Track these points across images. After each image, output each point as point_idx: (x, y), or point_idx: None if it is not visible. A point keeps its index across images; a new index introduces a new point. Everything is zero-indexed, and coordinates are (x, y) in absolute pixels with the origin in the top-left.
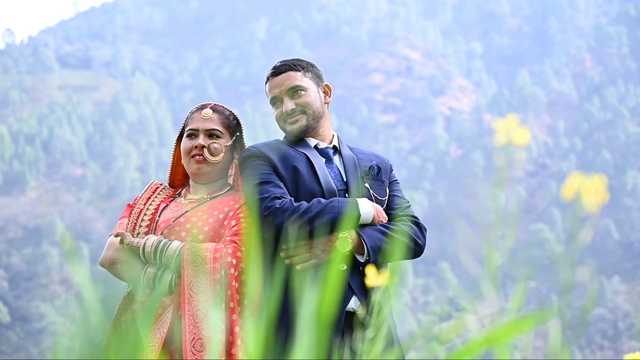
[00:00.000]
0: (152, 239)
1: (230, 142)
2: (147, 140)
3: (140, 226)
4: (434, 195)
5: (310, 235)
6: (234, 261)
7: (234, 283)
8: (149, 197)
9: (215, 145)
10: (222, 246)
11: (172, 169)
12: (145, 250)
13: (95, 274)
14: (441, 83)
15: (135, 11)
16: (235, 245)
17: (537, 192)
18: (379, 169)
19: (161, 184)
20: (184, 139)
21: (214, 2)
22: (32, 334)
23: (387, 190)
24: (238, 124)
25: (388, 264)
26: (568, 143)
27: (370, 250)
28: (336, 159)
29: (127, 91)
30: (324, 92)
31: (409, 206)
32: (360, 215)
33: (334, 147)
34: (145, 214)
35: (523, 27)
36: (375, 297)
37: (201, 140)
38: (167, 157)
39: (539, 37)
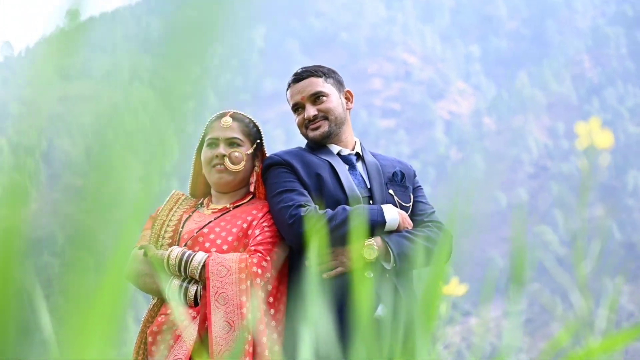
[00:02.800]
0: (176, 250)
1: (251, 150)
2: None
3: (164, 238)
4: (436, 199)
5: (336, 243)
6: (260, 271)
7: (260, 293)
8: (171, 208)
9: (236, 153)
10: (247, 256)
11: (193, 179)
12: (170, 262)
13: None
14: (440, 87)
15: (133, 20)
16: (260, 254)
17: (538, 194)
18: (403, 175)
19: (182, 194)
20: (204, 149)
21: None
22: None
23: (411, 196)
24: (258, 131)
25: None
26: (568, 144)
27: (396, 257)
28: (359, 165)
29: (127, 101)
30: (345, 98)
31: (434, 212)
32: (386, 222)
33: (357, 154)
34: (168, 225)
35: (521, 30)
36: (402, 304)
37: (222, 149)
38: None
39: (537, 39)
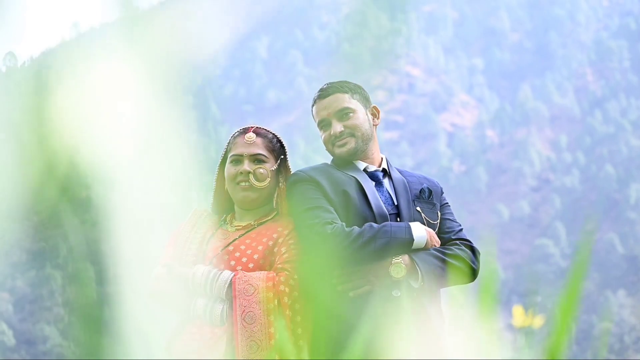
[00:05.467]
0: (201, 269)
1: (275, 167)
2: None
3: (187, 255)
4: None
5: (363, 261)
6: (287, 289)
7: (287, 312)
8: (194, 225)
9: (261, 170)
10: (274, 274)
11: (215, 195)
12: (195, 280)
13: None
14: (443, 99)
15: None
16: (287, 272)
17: (540, 207)
18: (430, 192)
19: (204, 211)
20: (228, 165)
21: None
22: (37, 356)
23: (439, 213)
24: (282, 146)
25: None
26: (571, 157)
27: (424, 276)
28: (386, 182)
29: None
30: (372, 114)
31: (462, 229)
32: (413, 240)
33: (384, 170)
34: (191, 243)
35: (524, 42)
36: (431, 324)
37: (246, 166)
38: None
39: (540, 51)
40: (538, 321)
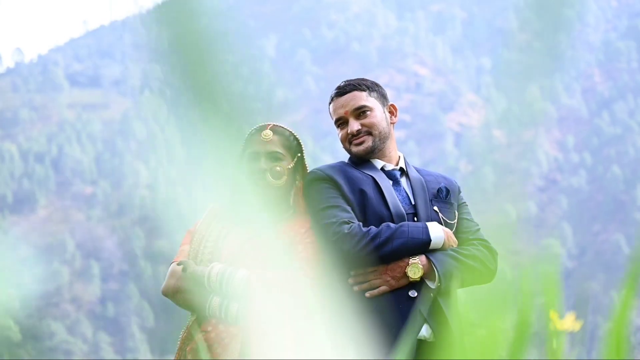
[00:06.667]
0: (217, 267)
1: (292, 165)
2: (156, 158)
3: (203, 253)
4: None
5: (380, 261)
6: (303, 289)
7: (303, 311)
8: (210, 222)
9: (278, 168)
10: (291, 273)
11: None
12: (211, 279)
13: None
14: (451, 99)
15: (143, 29)
16: (303, 272)
17: (547, 207)
18: (448, 191)
19: (220, 208)
20: (244, 162)
21: (223, 20)
22: (43, 352)
23: (456, 213)
24: (298, 144)
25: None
26: (578, 158)
27: (441, 277)
28: (403, 181)
29: (137, 109)
30: (389, 112)
31: (479, 229)
32: (431, 240)
33: (401, 169)
34: (207, 241)
35: (532, 42)
36: (448, 325)
37: (263, 163)
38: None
39: (548, 52)
40: (577, 324)
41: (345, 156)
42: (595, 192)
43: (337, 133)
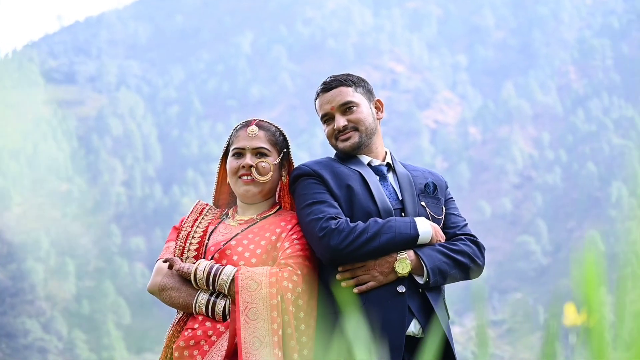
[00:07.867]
0: (203, 264)
1: (278, 160)
2: (132, 155)
3: (189, 250)
4: None
5: (368, 256)
6: (290, 285)
7: (290, 308)
8: (196, 219)
9: (263, 164)
10: (277, 270)
11: (216, 189)
12: (197, 276)
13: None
14: (426, 96)
15: (120, 25)
16: (290, 268)
17: (522, 204)
18: (435, 186)
19: (207, 205)
20: (230, 158)
21: (200, 16)
22: (18, 350)
23: (443, 208)
24: (284, 140)
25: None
26: (553, 155)
27: (430, 272)
28: (390, 176)
29: (113, 105)
30: (376, 108)
31: (466, 224)
32: (419, 235)
33: (388, 165)
34: (193, 237)
35: (508, 40)
36: (436, 320)
37: (248, 159)
38: (153, 172)
39: (523, 50)
40: (585, 318)
41: (330, 152)
42: (570, 189)
43: (323, 129)
